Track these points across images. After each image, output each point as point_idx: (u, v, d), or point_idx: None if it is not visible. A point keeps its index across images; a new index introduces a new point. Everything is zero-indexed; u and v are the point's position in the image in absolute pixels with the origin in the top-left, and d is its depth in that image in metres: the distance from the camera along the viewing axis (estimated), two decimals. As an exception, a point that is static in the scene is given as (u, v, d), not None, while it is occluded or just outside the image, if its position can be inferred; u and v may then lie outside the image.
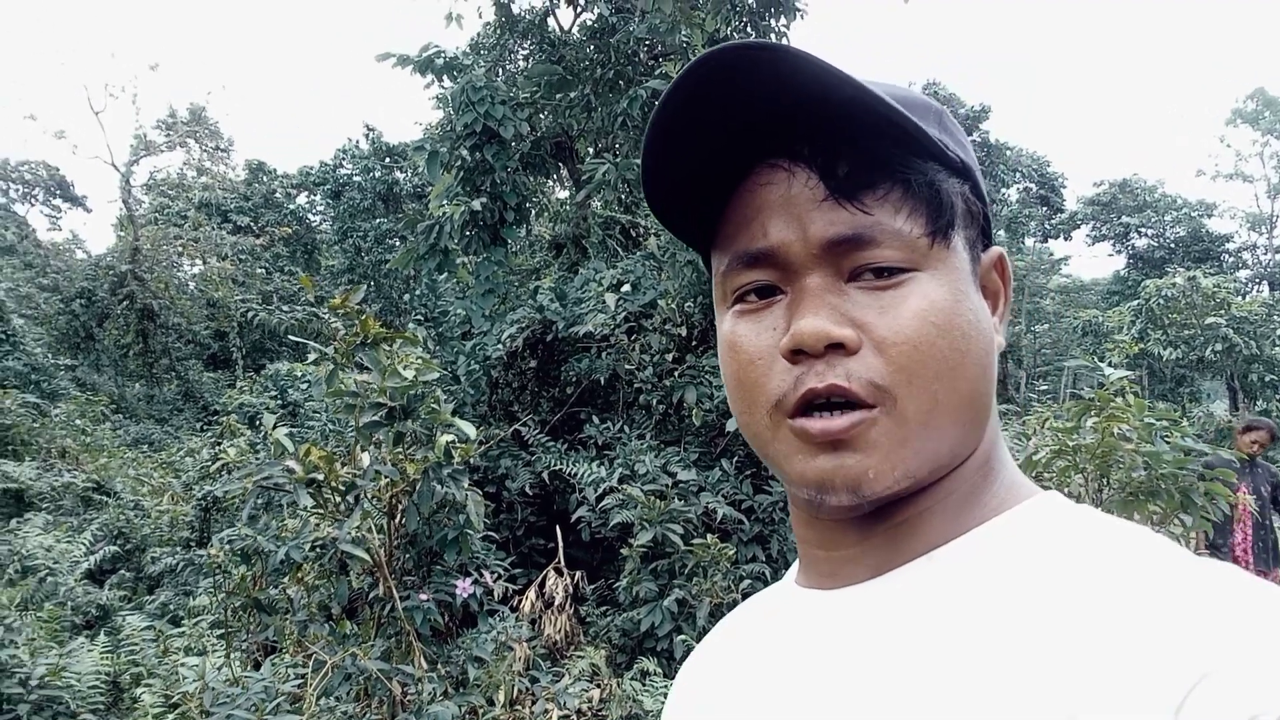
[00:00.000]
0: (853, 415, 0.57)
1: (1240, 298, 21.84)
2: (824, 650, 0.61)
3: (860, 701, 0.56)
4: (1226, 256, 35.12)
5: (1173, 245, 34.67)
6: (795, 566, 0.72)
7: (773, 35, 8.51)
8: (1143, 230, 35.44)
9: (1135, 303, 20.90)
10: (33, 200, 36.32)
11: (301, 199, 26.41)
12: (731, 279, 0.62)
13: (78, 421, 12.98)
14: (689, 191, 0.63)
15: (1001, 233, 35.50)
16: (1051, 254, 36.45)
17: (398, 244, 21.27)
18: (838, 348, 0.57)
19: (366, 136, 23.50)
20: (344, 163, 23.87)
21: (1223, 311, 18.94)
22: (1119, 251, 36.15)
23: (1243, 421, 6.57)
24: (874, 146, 0.58)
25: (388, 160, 22.82)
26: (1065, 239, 37.24)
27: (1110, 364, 6.12)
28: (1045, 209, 36.30)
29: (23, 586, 5.87)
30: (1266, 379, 19.44)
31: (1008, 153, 34.23)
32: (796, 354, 0.58)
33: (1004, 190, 34.75)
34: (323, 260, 24.43)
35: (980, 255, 0.65)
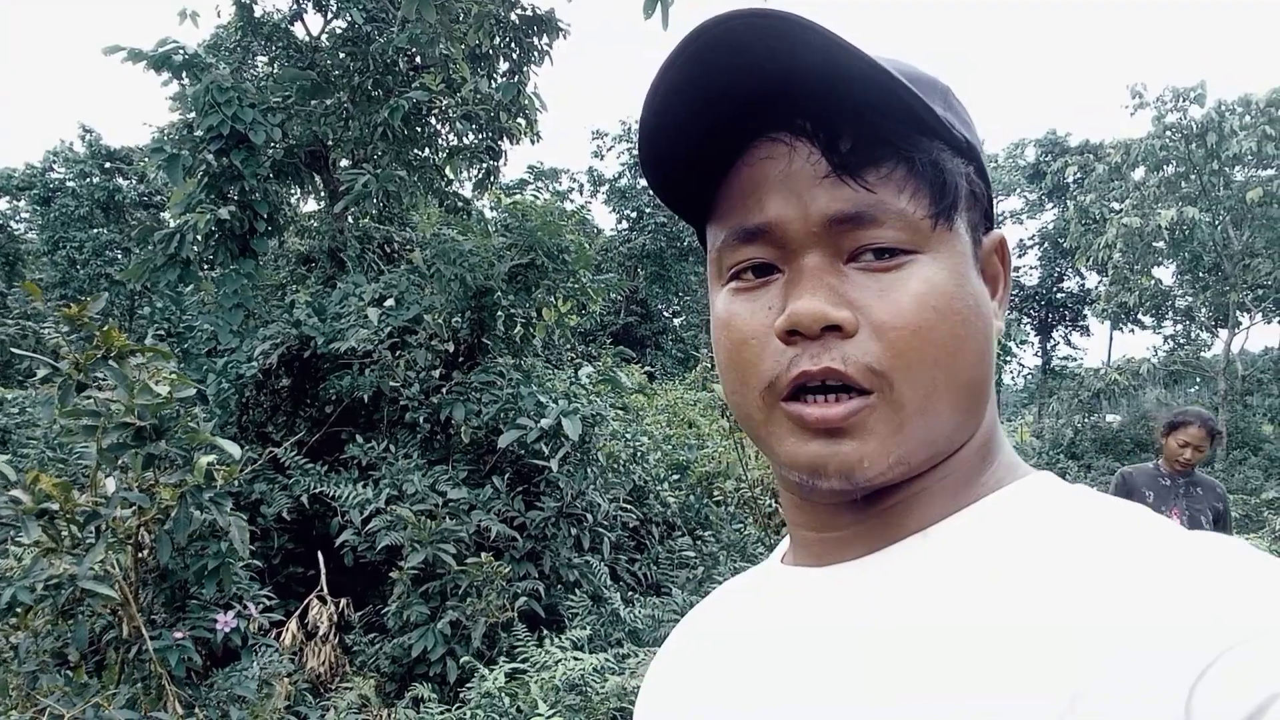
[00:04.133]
0: (850, 404, 0.55)
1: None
2: (816, 622, 0.60)
3: (854, 673, 0.55)
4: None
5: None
6: (779, 549, 0.71)
7: (535, 53, 8.57)
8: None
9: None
10: None
11: (2, 204, 23.54)
12: (727, 255, 0.60)
13: None
14: (686, 162, 0.60)
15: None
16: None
17: (121, 256, 19.45)
18: (834, 330, 0.55)
19: (83, 139, 21.34)
20: (55, 166, 21.53)
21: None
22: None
23: (1167, 416, 4.54)
24: (878, 123, 0.56)
25: (109, 165, 20.82)
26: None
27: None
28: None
29: None
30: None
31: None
32: (792, 335, 0.56)
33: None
34: (28, 273, 21.85)
35: (981, 239, 0.63)
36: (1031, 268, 36.59)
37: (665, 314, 38.13)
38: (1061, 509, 0.57)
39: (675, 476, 7.86)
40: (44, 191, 21.24)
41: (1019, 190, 37.94)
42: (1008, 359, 25.97)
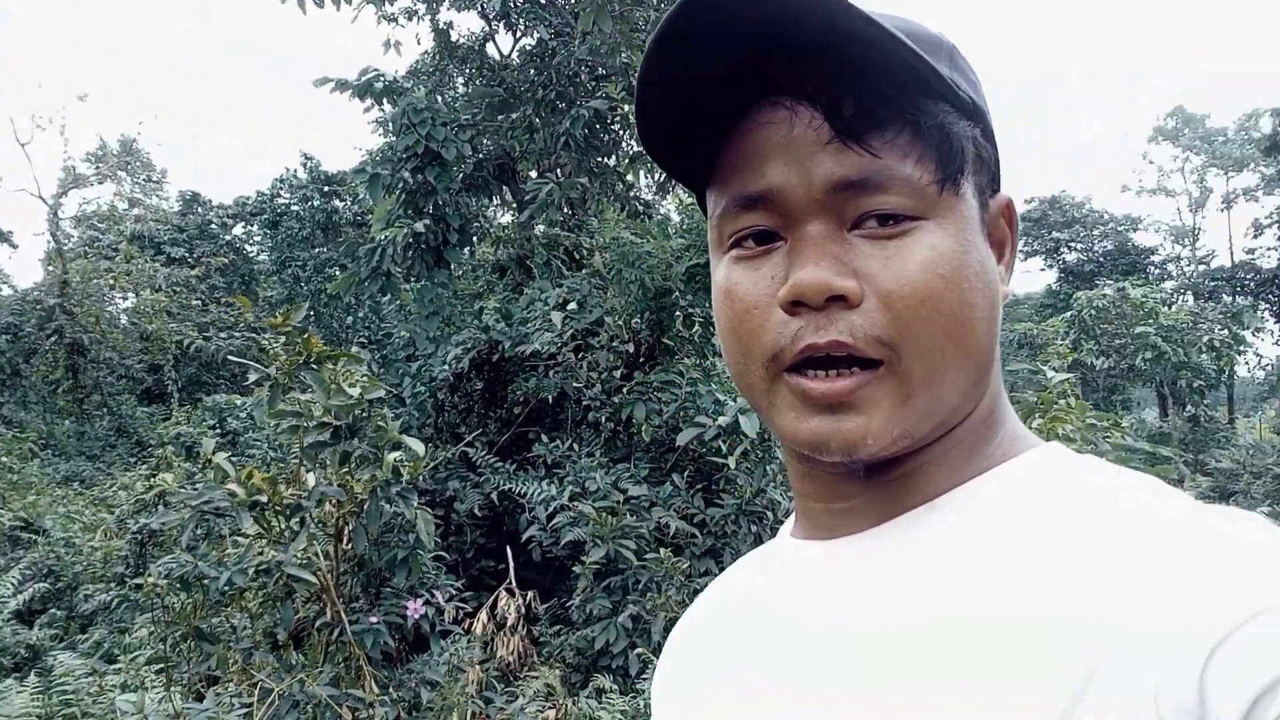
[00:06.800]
0: (855, 378, 0.54)
1: (1167, 307, 22.57)
2: (826, 599, 0.59)
3: (866, 647, 0.54)
4: (1152, 269, 36.27)
5: (1101, 259, 35.71)
6: (789, 522, 0.70)
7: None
8: (1072, 245, 36.46)
9: (1068, 314, 21.47)
10: (-46, 235, 35.17)
11: (238, 229, 25.93)
12: (728, 222, 0.59)
13: (3, 459, 12.52)
14: (685, 127, 0.59)
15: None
16: (986, 270, 37.18)
17: (337, 272, 20.99)
18: (839, 300, 0.54)
19: (304, 165, 23.18)
20: (281, 192, 23.50)
21: (1151, 320, 19.54)
22: (1050, 266, 37.09)
23: None
24: (883, 85, 0.54)
25: (326, 189, 22.53)
26: (998, 255, 37.94)
27: (1051, 369, 6.15)
28: (978, 226, 36.95)
29: (-52, 628, 5.62)
30: (1194, 384, 20.04)
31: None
32: (796, 305, 0.54)
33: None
34: (260, 291, 23.95)
35: (989, 202, 0.61)
36: (1270, 249, 33.38)
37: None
38: (1070, 481, 0.56)
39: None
40: (272, 216, 23.22)
41: (1254, 165, 34.70)
42: (1242, 349, 23.69)
